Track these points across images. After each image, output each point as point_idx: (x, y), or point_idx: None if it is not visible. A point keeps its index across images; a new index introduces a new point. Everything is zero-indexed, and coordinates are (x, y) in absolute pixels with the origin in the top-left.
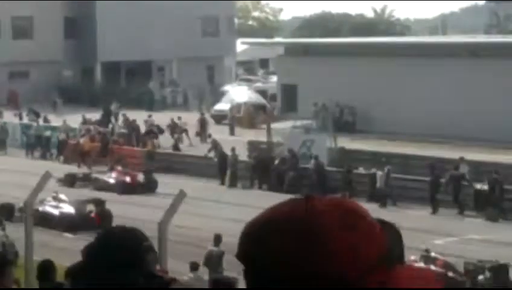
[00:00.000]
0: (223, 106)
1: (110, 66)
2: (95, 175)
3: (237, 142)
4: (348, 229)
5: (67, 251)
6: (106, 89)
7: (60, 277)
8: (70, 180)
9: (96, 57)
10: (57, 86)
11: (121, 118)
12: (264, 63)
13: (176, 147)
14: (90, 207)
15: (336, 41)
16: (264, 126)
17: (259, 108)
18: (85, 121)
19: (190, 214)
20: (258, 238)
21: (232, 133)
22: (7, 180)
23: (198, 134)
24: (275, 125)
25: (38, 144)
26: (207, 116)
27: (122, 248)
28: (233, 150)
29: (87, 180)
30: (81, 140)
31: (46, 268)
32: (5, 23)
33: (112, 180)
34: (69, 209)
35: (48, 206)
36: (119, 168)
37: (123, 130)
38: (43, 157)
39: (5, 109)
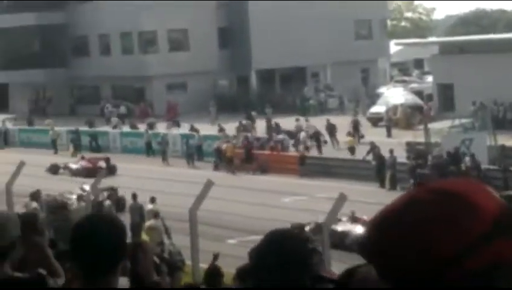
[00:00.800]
0: (378, 108)
1: (264, 73)
2: (70, 165)
3: (395, 144)
4: (444, 218)
5: (229, 257)
6: (261, 97)
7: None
8: (54, 169)
9: (251, 65)
10: (213, 96)
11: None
12: (418, 63)
13: (352, 149)
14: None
15: (491, 38)
16: (421, 127)
17: (415, 109)
18: (221, 129)
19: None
20: (370, 233)
21: (389, 135)
22: (170, 189)
23: (350, 135)
24: (432, 126)
25: (198, 153)
26: (362, 118)
27: (288, 250)
28: (391, 152)
29: (66, 169)
30: (224, 146)
31: (213, 273)
32: (161, 37)
33: (78, 167)
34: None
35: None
36: (83, 157)
37: (279, 136)
38: (216, 167)
39: (164, 120)
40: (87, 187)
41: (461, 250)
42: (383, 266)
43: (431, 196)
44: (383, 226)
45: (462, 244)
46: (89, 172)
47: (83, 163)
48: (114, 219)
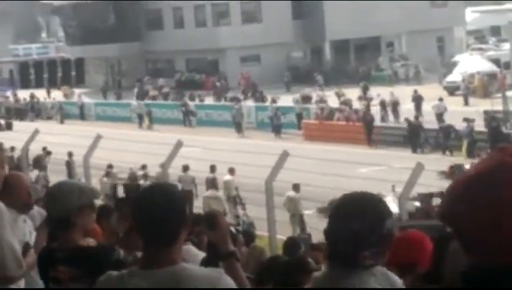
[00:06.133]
0: (455, 76)
1: (338, 44)
2: None
3: (472, 113)
4: None
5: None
6: (336, 67)
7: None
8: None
9: (325, 36)
10: (287, 67)
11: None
12: (495, 30)
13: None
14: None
15: None
16: (499, 95)
17: (492, 77)
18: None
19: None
20: (452, 199)
21: (466, 103)
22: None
23: None
24: (510, 94)
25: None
26: (438, 87)
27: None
28: (467, 120)
29: None
30: None
31: (291, 245)
32: (234, 9)
33: None
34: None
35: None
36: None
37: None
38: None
39: (242, 93)
40: None
41: None
42: (464, 231)
43: None
44: (471, 191)
45: None
46: None
47: None
48: (174, 189)
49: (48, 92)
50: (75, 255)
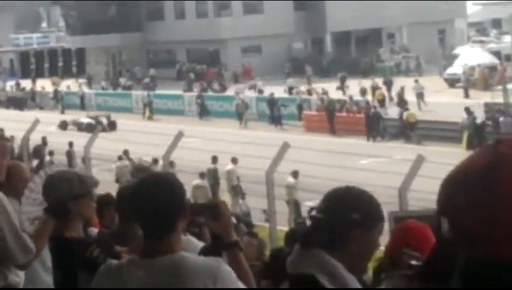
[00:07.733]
0: (455, 69)
1: (339, 35)
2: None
3: (473, 105)
4: None
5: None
6: (336, 59)
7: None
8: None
9: (326, 27)
10: (288, 59)
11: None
12: (496, 23)
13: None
14: None
15: None
16: (500, 87)
17: (493, 69)
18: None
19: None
20: (448, 191)
21: (466, 96)
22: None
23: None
24: (510, 86)
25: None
26: (439, 79)
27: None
28: (469, 112)
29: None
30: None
31: (293, 236)
32: (236, 0)
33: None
34: None
35: None
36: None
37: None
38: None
39: (241, 83)
40: None
41: None
42: (460, 225)
43: None
44: (468, 185)
45: None
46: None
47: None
48: (172, 178)
49: (33, 82)
50: (55, 245)
